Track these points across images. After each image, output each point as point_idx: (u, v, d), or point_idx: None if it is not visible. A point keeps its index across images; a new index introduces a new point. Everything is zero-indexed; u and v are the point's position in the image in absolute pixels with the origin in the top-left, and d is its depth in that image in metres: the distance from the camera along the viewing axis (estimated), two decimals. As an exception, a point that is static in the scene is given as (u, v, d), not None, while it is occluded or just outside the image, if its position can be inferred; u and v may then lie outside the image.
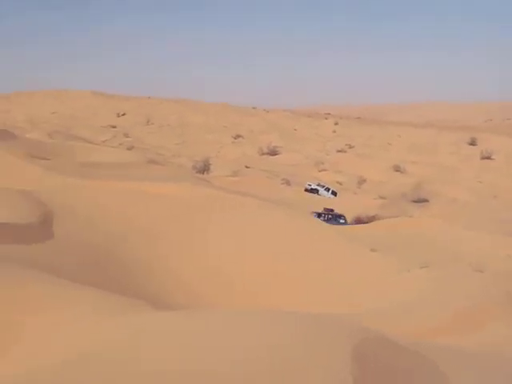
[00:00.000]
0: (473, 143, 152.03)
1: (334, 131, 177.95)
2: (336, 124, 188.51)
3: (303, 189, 78.03)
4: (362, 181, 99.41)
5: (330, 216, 46.07)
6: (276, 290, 22.76)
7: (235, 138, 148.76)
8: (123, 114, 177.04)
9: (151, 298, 16.88)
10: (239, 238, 26.83)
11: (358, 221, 47.93)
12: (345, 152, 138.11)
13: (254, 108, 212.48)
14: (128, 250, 23.72)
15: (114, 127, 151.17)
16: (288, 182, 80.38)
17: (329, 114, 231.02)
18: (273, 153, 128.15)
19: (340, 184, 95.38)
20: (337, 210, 52.27)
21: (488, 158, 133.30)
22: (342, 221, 45.80)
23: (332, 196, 76.74)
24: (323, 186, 79.64)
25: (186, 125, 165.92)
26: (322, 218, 43.55)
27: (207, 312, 11.82)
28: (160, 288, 21.18)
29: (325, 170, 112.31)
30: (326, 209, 48.54)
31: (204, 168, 75.39)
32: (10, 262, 15.32)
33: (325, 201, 68.07)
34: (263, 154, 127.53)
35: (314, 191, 76.87)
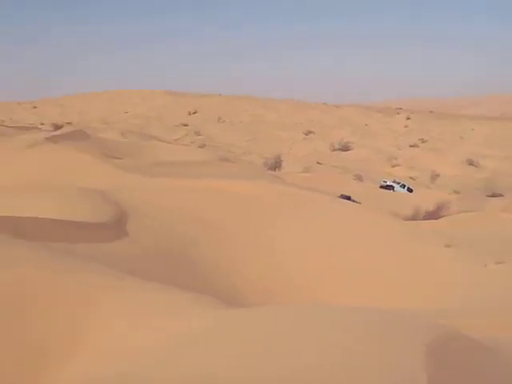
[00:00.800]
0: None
1: (406, 126, 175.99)
2: (408, 119, 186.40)
3: (378, 185, 77.09)
4: (435, 175, 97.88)
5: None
6: (345, 286, 22.56)
7: (306, 134, 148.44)
8: (194, 112, 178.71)
9: (221, 294, 16.94)
10: (309, 234, 26.75)
11: (431, 215, 47.14)
12: (417, 147, 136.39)
13: (324, 104, 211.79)
14: (199, 248, 23.89)
15: (186, 125, 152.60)
16: (360, 178, 79.72)
17: (400, 108, 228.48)
18: (344, 148, 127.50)
19: (413, 179, 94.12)
20: (411, 205, 51.45)
21: None
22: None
23: (407, 192, 75.57)
24: (399, 183, 78.35)
25: (256, 122, 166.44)
26: None
27: (276, 310, 11.76)
28: (229, 285, 21.27)
29: (397, 165, 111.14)
30: (342, 195, 46.49)
31: (275, 165, 75.33)
32: (85, 261, 15.58)
33: (398, 196, 67.32)
34: (335, 149, 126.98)
35: (390, 188, 75.74)
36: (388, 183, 77.34)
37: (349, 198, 43.54)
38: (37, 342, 10.93)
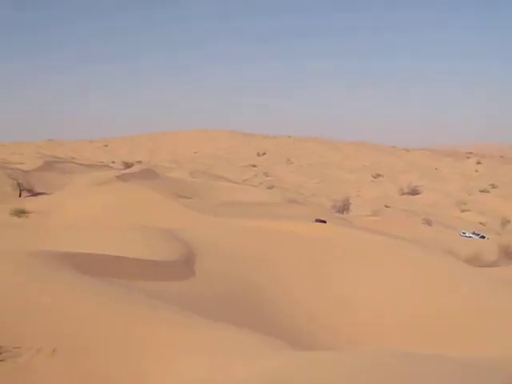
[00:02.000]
0: None
1: (477, 170, 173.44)
2: (478, 163, 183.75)
3: (455, 233, 75.83)
4: (505, 222, 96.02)
5: None
6: (410, 329, 22.26)
7: (375, 177, 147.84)
8: (263, 154, 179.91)
9: (286, 335, 17.00)
10: (376, 277, 26.49)
11: (500, 261, 46.29)
12: (488, 192, 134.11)
13: (392, 147, 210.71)
14: (264, 290, 23.98)
15: (255, 166, 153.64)
16: (429, 222, 78.75)
17: (471, 153, 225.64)
18: (413, 192, 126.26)
19: (483, 225, 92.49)
20: (481, 250, 50.53)
21: None
22: None
23: (480, 239, 74.33)
24: (478, 234, 77.09)
25: (325, 164, 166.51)
26: None
27: (352, 355, 11.72)
28: (295, 326, 21.26)
29: (467, 210, 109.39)
30: (317, 220, 44.40)
31: (344, 207, 75.15)
32: (153, 298, 15.92)
33: (468, 241, 66.27)
34: (403, 193, 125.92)
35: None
36: (467, 234, 76.12)
37: (324, 222, 41.88)
38: (100, 376, 11.23)
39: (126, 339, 12.40)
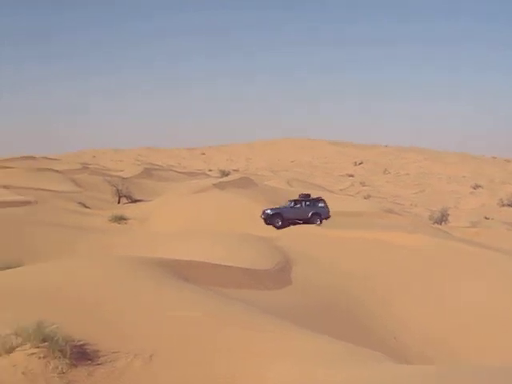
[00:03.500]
0: None
1: None
2: None
3: None
4: None
5: (307, 202, 40.03)
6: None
7: (474, 188, 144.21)
8: (360, 163, 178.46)
9: (389, 351, 16.54)
10: (475, 290, 25.62)
11: None
12: None
13: (493, 157, 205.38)
14: (362, 303, 23.53)
15: (351, 176, 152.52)
16: (531, 236, 76.18)
17: None
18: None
19: None
20: None
21: None
22: (320, 204, 39.53)
23: None
24: None
25: (423, 174, 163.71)
26: (299, 206, 38.50)
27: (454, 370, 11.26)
28: (385, 332, 20.75)
29: None
30: (301, 195, 42.12)
31: (442, 218, 73.49)
32: (249, 307, 15.77)
33: None
34: (503, 205, 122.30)
35: None
36: None
37: (308, 196, 39.36)
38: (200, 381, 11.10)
39: (228, 347, 12.28)
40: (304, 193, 42.17)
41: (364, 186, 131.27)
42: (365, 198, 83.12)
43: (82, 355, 11.07)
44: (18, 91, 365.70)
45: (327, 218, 38.61)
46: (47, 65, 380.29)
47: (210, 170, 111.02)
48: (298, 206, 38.41)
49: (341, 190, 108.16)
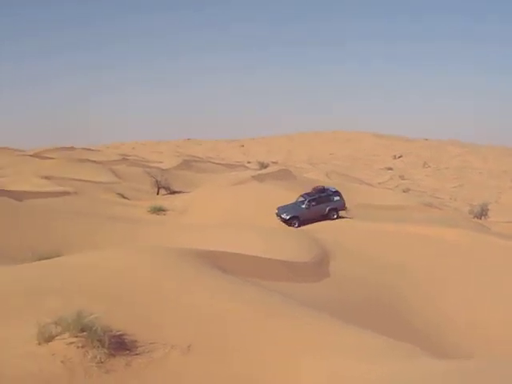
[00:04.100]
0: None
1: None
2: None
3: None
4: None
5: (321, 195, 37.81)
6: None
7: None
8: (400, 157, 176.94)
9: (433, 347, 16.38)
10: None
11: None
12: None
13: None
14: (404, 298, 23.36)
15: (391, 169, 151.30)
16: None
17: None
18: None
19: None
20: None
21: None
22: (336, 198, 36.98)
23: None
24: None
25: (463, 168, 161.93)
26: (314, 204, 36.81)
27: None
28: (429, 327, 20.57)
29: None
30: (315, 188, 39.84)
31: (481, 213, 72.64)
32: (288, 300, 15.73)
33: None
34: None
35: None
36: None
37: (323, 189, 37.30)
38: (235, 377, 11.07)
39: (271, 338, 12.29)
40: (319, 186, 40.24)
41: (403, 179, 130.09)
42: (404, 192, 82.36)
43: (120, 345, 11.12)
44: (65, 81, 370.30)
45: (344, 210, 37.47)
46: (91, 54, 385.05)
47: (249, 162, 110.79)
48: (314, 203, 36.94)
49: (379, 183, 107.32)
